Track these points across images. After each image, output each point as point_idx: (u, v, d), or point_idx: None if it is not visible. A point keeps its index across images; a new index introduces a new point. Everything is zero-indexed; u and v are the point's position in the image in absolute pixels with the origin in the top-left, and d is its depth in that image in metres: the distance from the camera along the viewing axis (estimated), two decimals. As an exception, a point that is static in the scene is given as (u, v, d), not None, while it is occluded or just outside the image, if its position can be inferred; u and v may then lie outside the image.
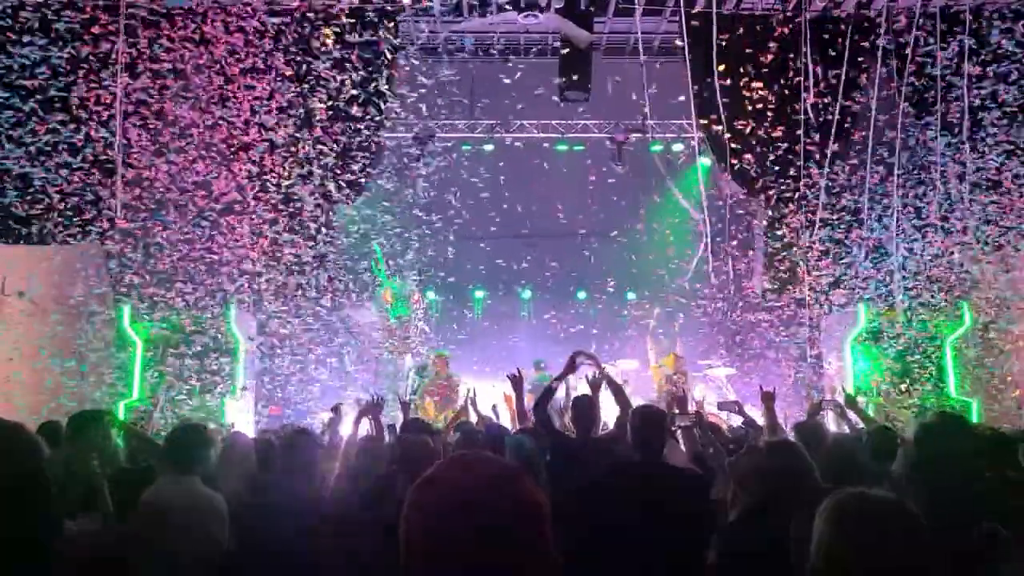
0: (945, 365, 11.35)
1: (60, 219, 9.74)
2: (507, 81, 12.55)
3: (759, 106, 10.85)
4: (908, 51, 10.04)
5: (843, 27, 10.64)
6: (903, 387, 11.10)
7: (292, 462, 3.82)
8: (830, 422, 7.16)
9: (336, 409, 5.44)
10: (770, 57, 10.86)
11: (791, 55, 10.69)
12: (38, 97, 9.12)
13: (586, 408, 5.17)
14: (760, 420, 5.93)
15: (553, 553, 1.26)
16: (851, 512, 1.65)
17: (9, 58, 9.09)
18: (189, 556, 3.62)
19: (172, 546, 3.62)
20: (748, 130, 10.98)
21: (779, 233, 11.59)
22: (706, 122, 11.30)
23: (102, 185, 9.70)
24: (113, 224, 9.98)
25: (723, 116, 10.83)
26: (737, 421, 6.70)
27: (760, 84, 10.82)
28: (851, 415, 6.15)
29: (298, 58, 10.44)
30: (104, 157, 9.20)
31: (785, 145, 10.89)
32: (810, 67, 10.35)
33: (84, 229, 9.90)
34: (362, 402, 5.28)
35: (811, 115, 10.48)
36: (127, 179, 9.85)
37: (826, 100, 10.64)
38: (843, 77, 10.24)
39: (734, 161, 11.16)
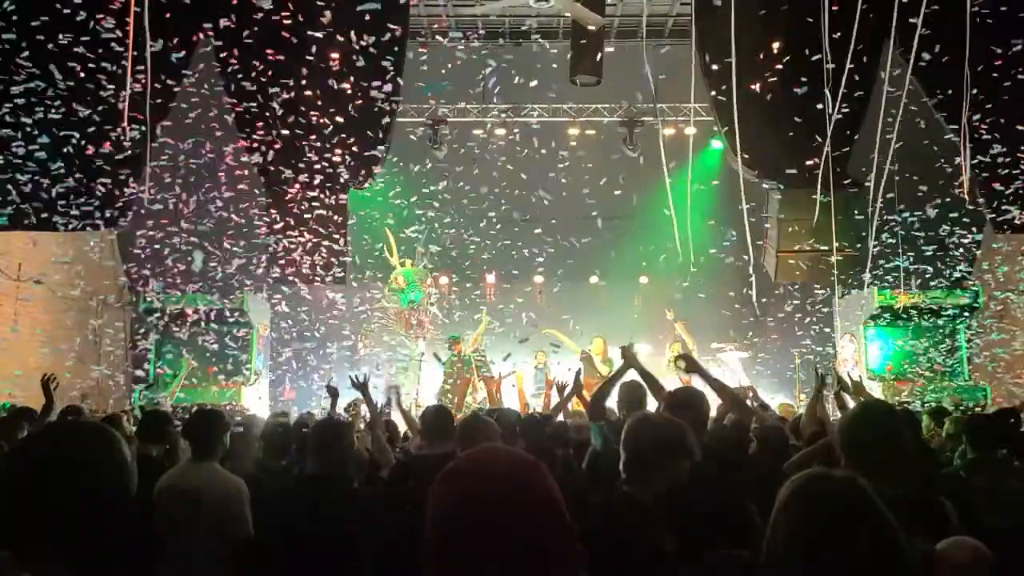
0: (962, 349, 11.31)
1: (78, 207, 9.73)
2: (519, 65, 12.51)
3: (771, 85, 10.72)
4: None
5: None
6: (917, 370, 11.07)
7: (315, 446, 3.86)
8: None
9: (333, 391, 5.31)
10: (783, 36, 10.73)
11: (804, 33, 10.54)
12: (56, 84, 9.02)
13: (634, 392, 4.92)
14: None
15: (574, 545, 1.29)
16: (811, 494, 1.64)
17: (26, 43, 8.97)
18: (215, 539, 3.68)
19: (199, 529, 3.67)
20: (760, 111, 10.87)
21: (791, 214, 11.51)
22: (717, 103, 11.20)
23: (120, 173, 9.66)
24: (130, 211, 9.97)
25: (726, 96, 10.70)
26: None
27: (773, 63, 10.71)
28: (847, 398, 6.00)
29: (310, 42, 10.38)
30: (122, 141, 9.12)
31: (797, 124, 10.75)
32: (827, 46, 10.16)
33: (102, 217, 9.89)
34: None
35: (828, 98, 10.33)
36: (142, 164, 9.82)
37: (839, 79, 10.47)
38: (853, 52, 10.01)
39: (745, 143, 11.06)
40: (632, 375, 4.88)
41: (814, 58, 9.75)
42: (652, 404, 5.32)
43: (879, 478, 2.46)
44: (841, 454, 2.74)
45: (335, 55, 10.18)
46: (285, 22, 9.98)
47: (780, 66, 10.67)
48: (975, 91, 9.09)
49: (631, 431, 2.79)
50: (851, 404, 5.93)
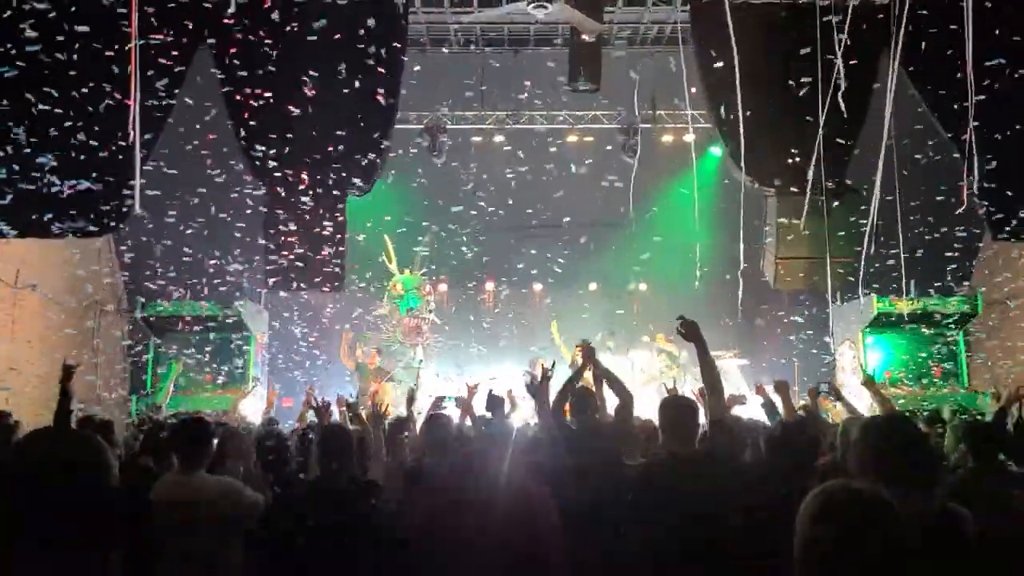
0: (961, 356, 11.28)
1: (74, 212, 9.67)
2: (517, 72, 12.51)
3: (770, 92, 10.71)
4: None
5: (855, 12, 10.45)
6: (916, 378, 11.03)
7: (316, 454, 3.84)
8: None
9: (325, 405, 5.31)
10: (781, 44, 10.74)
11: (802, 41, 10.54)
12: (53, 87, 8.96)
13: (585, 398, 4.95)
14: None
15: (556, 556, 1.27)
16: (834, 505, 1.64)
17: (23, 44, 8.89)
18: (214, 546, 3.68)
19: (197, 535, 3.66)
20: (757, 118, 10.85)
21: (790, 221, 11.49)
22: (716, 110, 11.19)
23: (118, 178, 9.59)
24: (127, 217, 9.91)
25: (725, 103, 10.68)
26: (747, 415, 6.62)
27: (771, 71, 10.70)
28: (846, 403, 5.99)
29: (309, 50, 10.36)
30: (120, 147, 9.08)
31: (796, 131, 10.73)
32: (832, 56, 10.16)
33: (98, 222, 9.83)
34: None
35: (827, 102, 10.31)
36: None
37: (839, 86, 10.46)
38: (841, 62, 10.01)
39: (744, 150, 11.06)
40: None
41: (813, 64, 9.77)
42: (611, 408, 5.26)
43: (907, 488, 2.43)
44: (869, 463, 2.66)
45: (334, 64, 10.18)
46: (284, 29, 10.02)
47: (779, 72, 10.68)
48: (979, 97, 9.05)
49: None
50: (843, 411, 5.96)
